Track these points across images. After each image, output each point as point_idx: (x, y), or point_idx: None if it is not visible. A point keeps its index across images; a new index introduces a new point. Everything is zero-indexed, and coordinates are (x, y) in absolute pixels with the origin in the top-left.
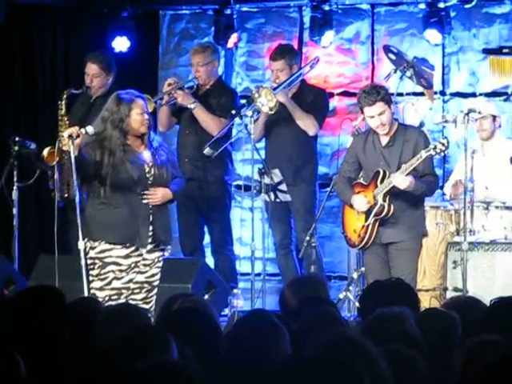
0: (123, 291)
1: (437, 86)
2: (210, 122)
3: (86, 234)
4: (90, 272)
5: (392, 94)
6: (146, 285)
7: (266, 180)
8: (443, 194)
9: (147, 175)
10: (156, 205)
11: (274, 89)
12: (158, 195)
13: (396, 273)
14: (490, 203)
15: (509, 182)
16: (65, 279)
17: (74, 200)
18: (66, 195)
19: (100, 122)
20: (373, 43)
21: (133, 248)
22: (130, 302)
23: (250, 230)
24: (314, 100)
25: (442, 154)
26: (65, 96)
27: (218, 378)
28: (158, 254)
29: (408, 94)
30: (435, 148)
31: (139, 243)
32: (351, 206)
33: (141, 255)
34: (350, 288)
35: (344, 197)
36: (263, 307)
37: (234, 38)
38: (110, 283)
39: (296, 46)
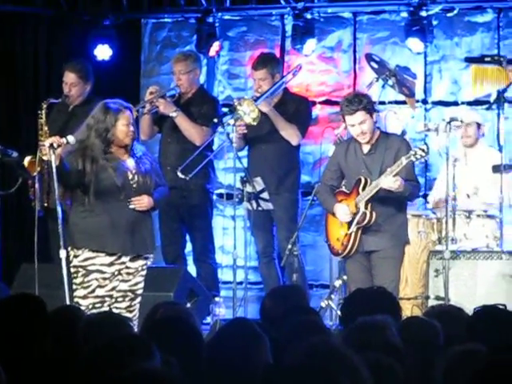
0: (106, 299)
1: (419, 94)
2: (191, 131)
3: (70, 242)
4: (74, 280)
5: (374, 103)
6: (129, 293)
7: (248, 188)
8: (426, 203)
9: (131, 182)
10: (139, 213)
11: (257, 99)
12: (144, 201)
13: (378, 281)
14: (472, 212)
15: (491, 191)
16: (46, 288)
17: (54, 209)
18: (46, 204)
19: (84, 129)
20: (355, 51)
21: (116, 256)
22: (114, 310)
23: (232, 238)
24: (297, 109)
25: (423, 159)
26: (44, 105)
27: None
28: (141, 262)
29: (390, 103)
30: (415, 154)
31: (122, 251)
32: (334, 215)
33: (124, 263)
34: (332, 296)
35: (327, 205)
36: (245, 316)
37: (216, 46)
38: (93, 291)
39: (278, 55)
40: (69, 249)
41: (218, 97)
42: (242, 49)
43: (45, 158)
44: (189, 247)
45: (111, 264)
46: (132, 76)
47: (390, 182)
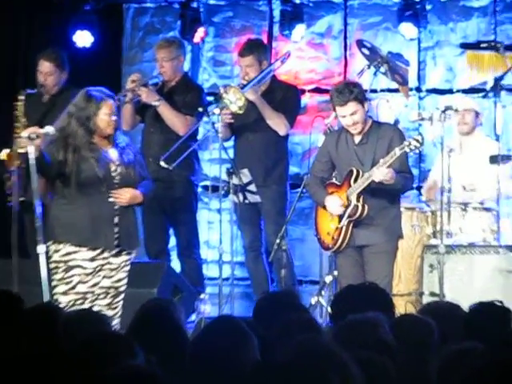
0: (88, 296)
1: (412, 82)
2: (175, 120)
3: (51, 236)
4: (54, 276)
5: (365, 91)
6: (111, 290)
7: (235, 180)
8: (420, 195)
9: (113, 174)
10: (122, 206)
11: (243, 87)
12: (125, 195)
13: (371, 277)
14: (468, 204)
15: (487, 182)
16: (24, 284)
17: (31, 204)
18: (23, 199)
19: (65, 116)
20: (345, 37)
21: (98, 251)
22: (95, 307)
23: (217, 232)
24: (285, 98)
25: (417, 150)
26: (21, 96)
27: None
28: (124, 257)
29: (382, 91)
30: (409, 145)
31: (105, 245)
32: (324, 208)
33: (106, 258)
34: (322, 293)
35: (317, 198)
36: (231, 313)
37: (200, 32)
38: (74, 287)
39: (266, 41)
40: (49, 243)
41: (202, 85)
42: (227, 35)
43: (21, 150)
44: (172, 242)
45: (93, 259)
46: (113, 63)
47: (381, 173)
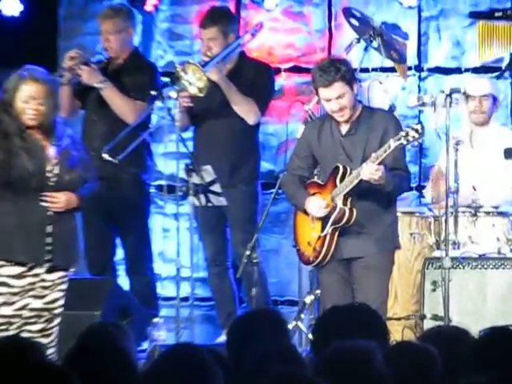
0: (14, 320)
1: (411, 59)
2: (123, 106)
3: None
4: None
5: (355, 70)
6: (45, 313)
7: (195, 179)
8: (420, 197)
9: (48, 174)
10: (57, 213)
11: (205, 65)
12: (60, 200)
13: (361, 296)
14: (479, 208)
15: (503, 181)
16: None
17: None
18: None
19: None
20: (330, 5)
21: (28, 266)
22: (24, 333)
23: (174, 242)
24: (256, 78)
25: (416, 143)
26: None
27: None
28: (60, 273)
29: (375, 70)
30: (407, 136)
31: (35, 260)
32: (305, 212)
33: (38, 275)
34: (302, 316)
35: (295, 200)
36: (191, 340)
37: None
38: None
39: (233, 9)
40: None
41: (156, 63)
42: (186, 2)
43: None
44: (120, 254)
45: (21, 276)
46: (48, 36)
47: (370, 170)
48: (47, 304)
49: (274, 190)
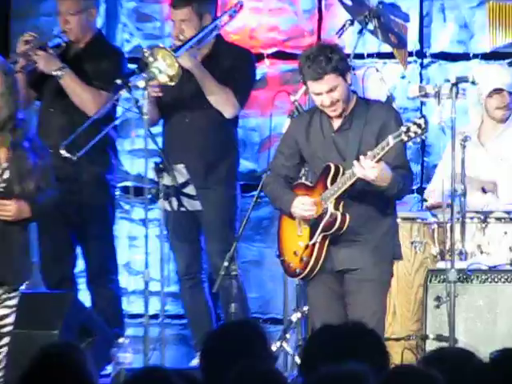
0: None
1: (412, 43)
2: (84, 96)
3: None
4: None
5: (348, 57)
6: None
7: (166, 180)
8: (421, 200)
9: None
10: (4, 223)
11: (177, 49)
12: (9, 208)
13: (355, 313)
14: (489, 214)
15: None
16: None
17: None
18: None
19: None
20: None
21: None
22: None
23: (142, 252)
24: (235, 65)
25: (418, 139)
26: None
27: None
28: (4, 288)
29: (370, 56)
30: (408, 131)
31: None
32: (291, 217)
33: None
34: (288, 335)
35: (280, 203)
36: (161, 363)
37: None
38: None
39: None
40: None
41: (122, 47)
42: None
43: None
44: (81, 265)
45: None
46: None
47: (366, 167)
48: None
49: (255, 193)
